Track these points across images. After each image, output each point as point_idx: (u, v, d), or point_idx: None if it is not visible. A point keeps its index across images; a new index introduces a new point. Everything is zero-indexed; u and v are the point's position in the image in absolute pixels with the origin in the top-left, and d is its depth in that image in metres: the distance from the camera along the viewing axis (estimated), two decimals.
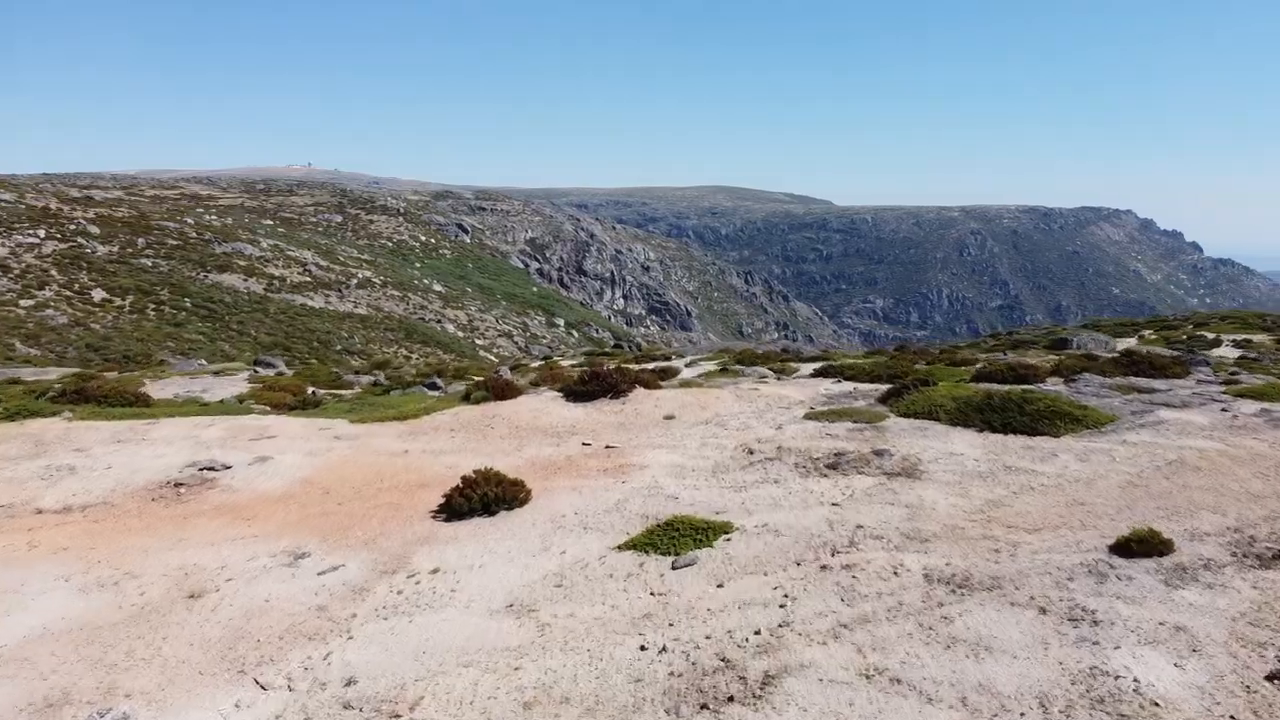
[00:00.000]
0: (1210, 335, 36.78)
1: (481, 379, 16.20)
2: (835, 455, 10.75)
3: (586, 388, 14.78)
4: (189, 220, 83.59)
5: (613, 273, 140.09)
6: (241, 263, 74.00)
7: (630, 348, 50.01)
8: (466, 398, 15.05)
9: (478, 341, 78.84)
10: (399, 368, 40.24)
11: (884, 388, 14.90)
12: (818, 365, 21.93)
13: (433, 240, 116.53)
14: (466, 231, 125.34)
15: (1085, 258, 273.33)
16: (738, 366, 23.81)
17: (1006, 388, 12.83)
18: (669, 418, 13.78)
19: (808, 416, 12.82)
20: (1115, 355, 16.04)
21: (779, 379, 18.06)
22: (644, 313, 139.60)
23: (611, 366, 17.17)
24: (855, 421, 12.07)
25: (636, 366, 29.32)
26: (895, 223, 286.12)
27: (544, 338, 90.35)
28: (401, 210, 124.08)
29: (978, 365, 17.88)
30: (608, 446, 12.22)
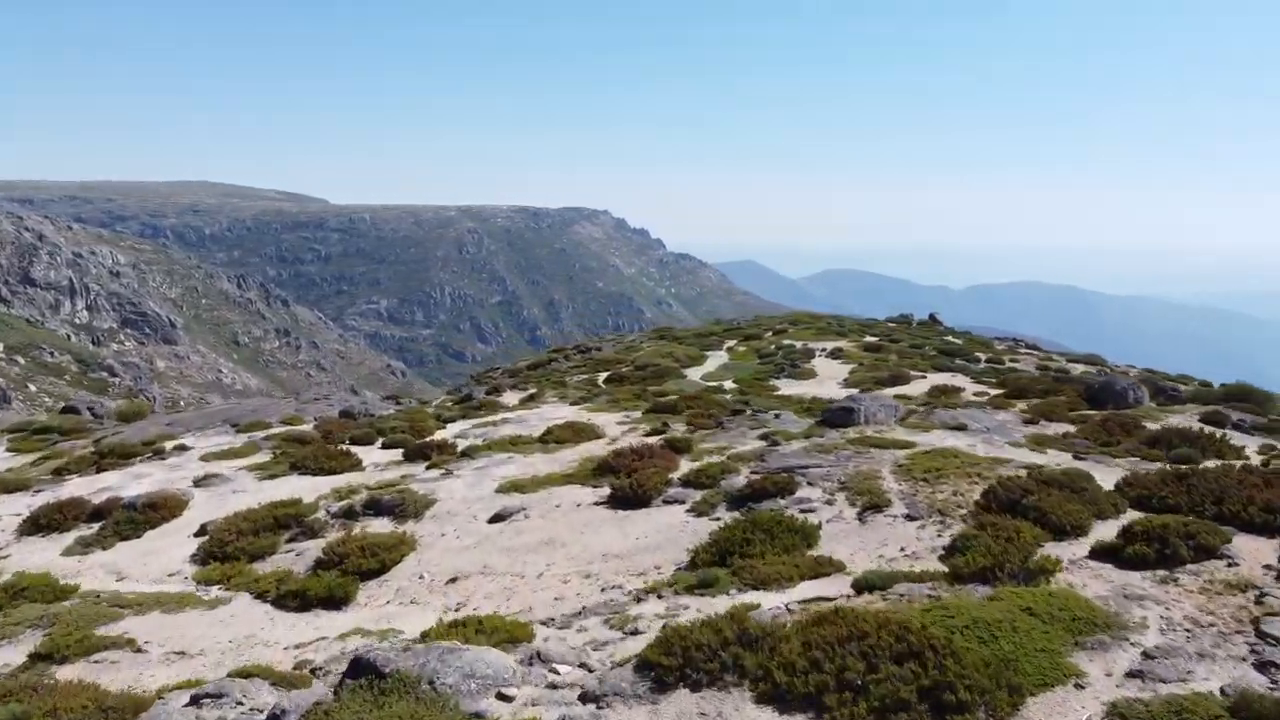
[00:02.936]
0: (798, 345, 35.65)
1: None
2: None
3: None
4: None
5: (72, 281, 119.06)
6: None
7: (92, 414, 33.20)
8: None
9: None
10: None
11: None
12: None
13: None
14: None
15: (571, 254, 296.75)
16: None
17: None
18: None
19: None
20: None
21: None
22: (116, 326, 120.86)
23: None
24: None
25: (90, 496, 16.47)
26: (395, 222, 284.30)
27: None
28: None
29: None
30: None
